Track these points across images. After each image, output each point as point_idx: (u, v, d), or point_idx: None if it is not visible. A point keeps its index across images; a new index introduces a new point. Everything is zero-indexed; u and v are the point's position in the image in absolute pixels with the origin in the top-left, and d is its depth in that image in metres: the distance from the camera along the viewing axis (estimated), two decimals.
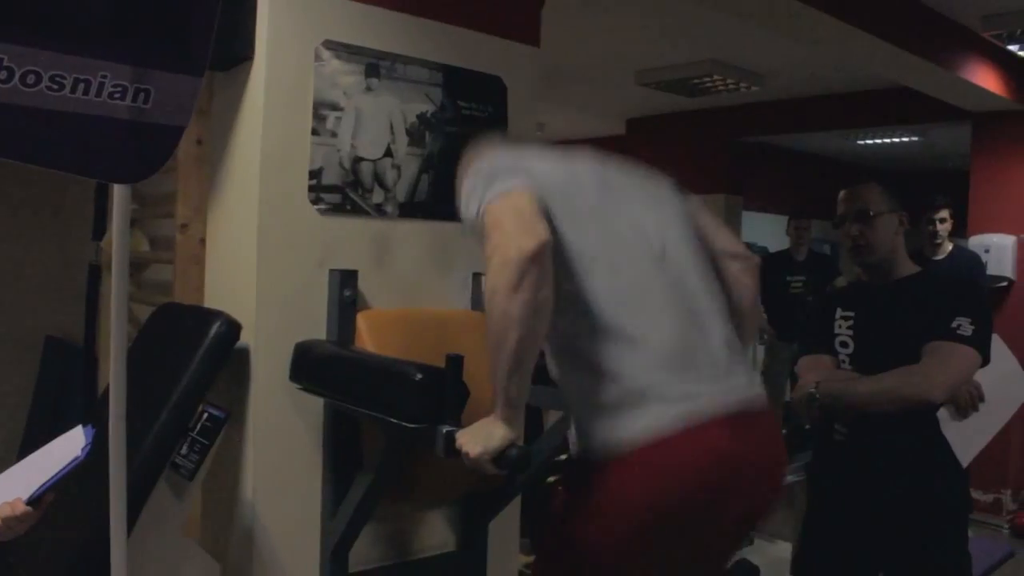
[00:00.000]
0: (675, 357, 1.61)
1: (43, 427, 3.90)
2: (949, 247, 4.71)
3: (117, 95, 1.21)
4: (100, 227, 3.52)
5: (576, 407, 1.68)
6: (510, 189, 1.60)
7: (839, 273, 6.07)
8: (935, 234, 4.65)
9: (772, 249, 6.81)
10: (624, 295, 1.64)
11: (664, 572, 1.67)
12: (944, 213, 4.62)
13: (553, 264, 1.55)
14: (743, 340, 1.84)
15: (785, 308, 5.29)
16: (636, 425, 1.55)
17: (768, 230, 7.90)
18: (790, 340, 4.91)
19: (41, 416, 4.05)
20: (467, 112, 2.49)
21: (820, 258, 6.33)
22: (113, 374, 1.40)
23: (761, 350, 6.26)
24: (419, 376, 1.80)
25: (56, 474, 1.51)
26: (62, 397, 3.95)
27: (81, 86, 1.18)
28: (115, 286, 1.35)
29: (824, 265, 6.15)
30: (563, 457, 2.39)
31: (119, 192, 1.30)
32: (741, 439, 1.59)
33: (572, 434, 1.71)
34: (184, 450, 2.03)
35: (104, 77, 1.20)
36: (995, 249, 5.45)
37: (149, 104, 1.24)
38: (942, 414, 2.32)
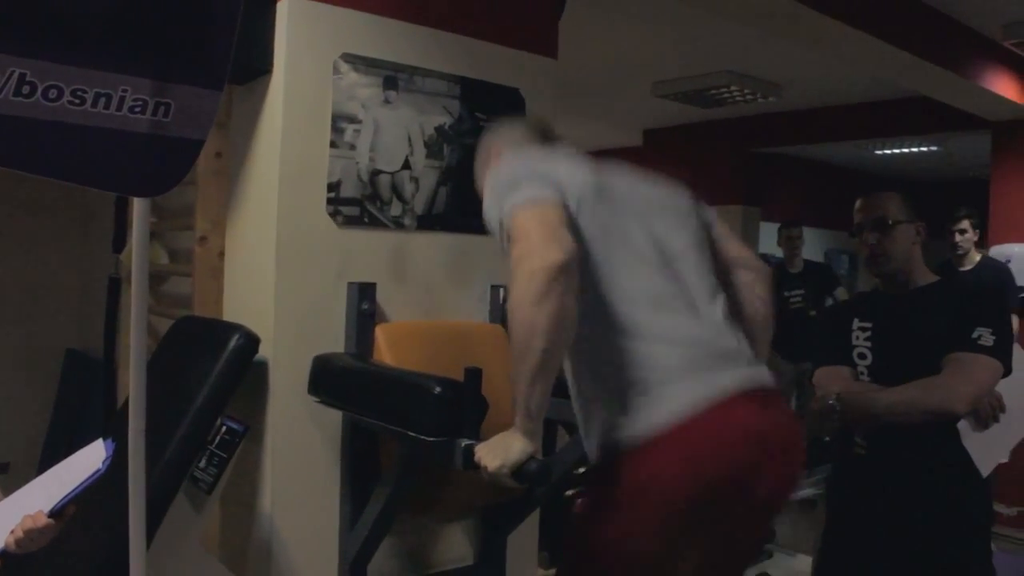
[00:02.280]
0: (694, 347, 1.64)
1: (63, 439, 3.92)
2: (977, 258, 4.64)
3: (138, 109, 1.22)
4: (120, 240, 3.55)
5: (599, 408, 1.67)
6: (536, 197, 1.60)
7: (838, 283, 5.93)
8: (956, 245, 4.60)
9: None
10: (643, 298, 1.65)
11: (693, 565, 1.67)
12: (964, 224, 4.56)
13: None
14: (757, 353, 1.83)
15: (784, 325, 5.13)
16: (662, 409, 1.56)
17: None
18: (792, 359, 4.80)
19: (61, 428, 4.07)
20: (485, 124, 2.48)
21: (816, 268, 6.03)
22: (133, 388, 1.40)
23: None
24: (438, 389, 1.79)
25: (77, 487, 1.51)
26: (82, 410, 3.98)
27: (102, 100, 1.18)
28: (135, 299, 1.35)
29: (821, 275, 5.87)
30: (582, 470, 2.38)
31: (139, 205, 1.30)
32: (764, 415, 1.63)
33: (589, 445, 1.70)
34: (203, 463, 2.03)
35: (125, 91, 1.20)
36: (1017, 259, 5.36)
37: (169, 118, 1.24)
38: (962, 425, 2.27)
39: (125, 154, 1.22)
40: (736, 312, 1.82)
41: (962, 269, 4.65)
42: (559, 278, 1.48)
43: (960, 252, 4.58)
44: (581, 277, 1.57)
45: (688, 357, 1.62)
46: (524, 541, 2.61)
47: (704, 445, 1.55)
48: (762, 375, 1.70)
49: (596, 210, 1.68)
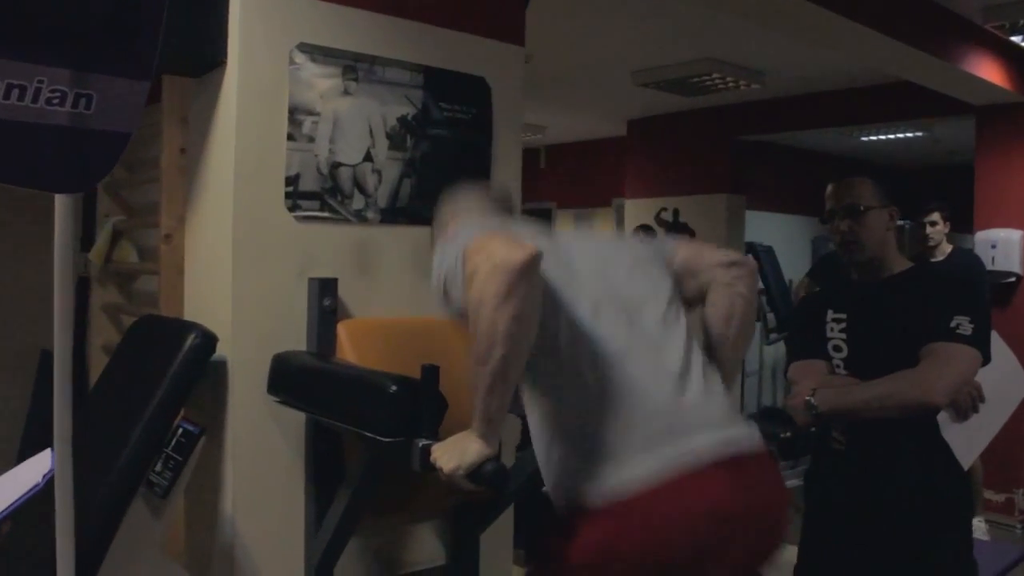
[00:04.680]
0: (659, 405, 1.55)
1: (39, 441, 3.85)
2: (948, 248, 4.65)
3: (56, 101, 1.16)
4: (88, 238, 3.48)
5: (556, 452, 1.59)
6: (487, 229, 1.57)
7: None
8: (928, 237, 4.61)
9: (778, 249, 6.69)
10: (604, 351, 1.57)
11: None
12: (935, 216, 4.56)
13: (537, 323, 1.50)
14: (738, 349, 1.79)
15: None
16: (621, 476, 1.47)
17: (773, 229, 7.82)
18: None
19: (37, 430, 4.01)
20: (450, 114, 2.43)
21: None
22: (57, 397, 1.34)
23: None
24: (394, 388, 1.74)
25: (12, 504, 1.45)
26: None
27: (15, 92, 1.12)
28: (57, 307, 1.29)
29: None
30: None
31: (61, 203, 1.24)
32: (736, 488, 1.51)
33: (546, 480, 1.62)
34: (159, 467, 1.98)
35: (41, 82, 1.14)
36: (1002, 244, 5.37)
37: (91, 110, 1.18)
38: (942, 417, 2.24)
39: (43, 148, 1.16)
40: (714, 315, 1.77)
41: (933, 260, 4.65)
42: (522, 278, 1.42)
43: (932, 244, 4.59)
44: (540, 331, 1.51)
45: (652, 416, 1.53)
46: (498, 539, 2.57)
47: (663, 523, 1.45)
48: (739, 437, 1.58)
49: (552, 268, 1.60)
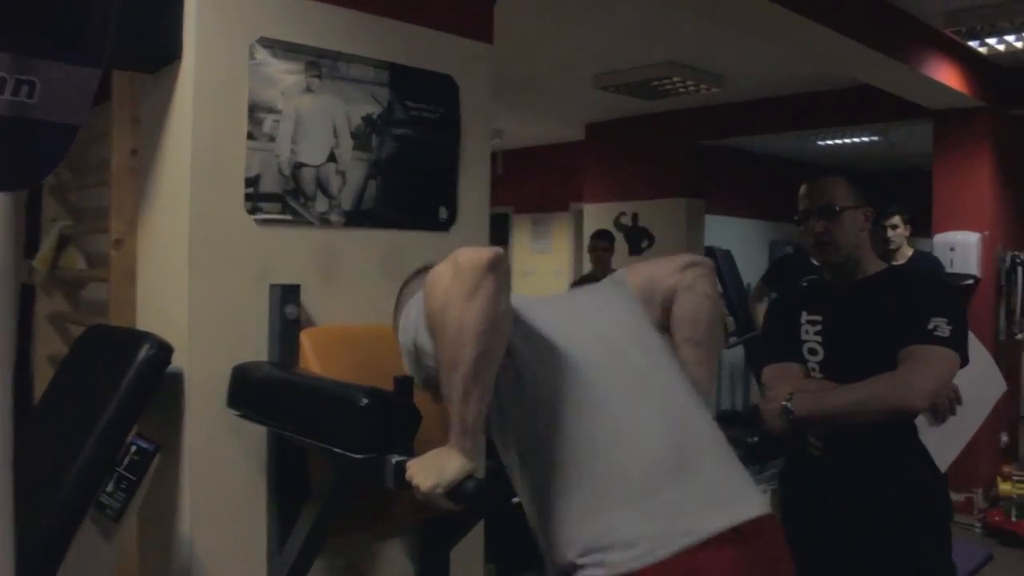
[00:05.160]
0: (652, 471, 1.42)
1: None
2: (909, 252, 4.69)
3: None
4: (33, 244, 3.33)
5: (547, 511, 1.47)
6: None
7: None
8: (888, 240, 4.64)
9: (736, 253, 6.70)
10: (589, 409, 1.47)
11: None
12: (895, 219, 4.61)
13: (509, 383, 1.43)
14: (710, 351, 1.72)
15: None
16: (616, 554, 1.36)
17: (731, 233, 7.84)
18: None
19: None
20: (416, 113, 2.34)
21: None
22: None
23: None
24: (365, 401, 1.63)
25: None
26: None
27: None
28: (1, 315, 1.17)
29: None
30: None
31: (1, 203, 1.12)
32: (740, 565, 1.39)
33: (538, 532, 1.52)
34: (110, 487, 1.85)
35: None
36: (960, 247, 5.43)
37: (34, 99, 1.07)
38: (919, 420, 2.22)
39: None
40: (680, 318, 1.70)
41: (895, 263, 4.68)
42: (488, 275, 1.34)
43: (893, 247, 4.62)
44: (515, 392, 1.43)
45: (646, 485, 1.41)
46: (469, 555, 2.48)
47: None
48: (742, 504, 1.45)
49: (527, 323, 1.53)
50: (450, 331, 1.35)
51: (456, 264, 1.36)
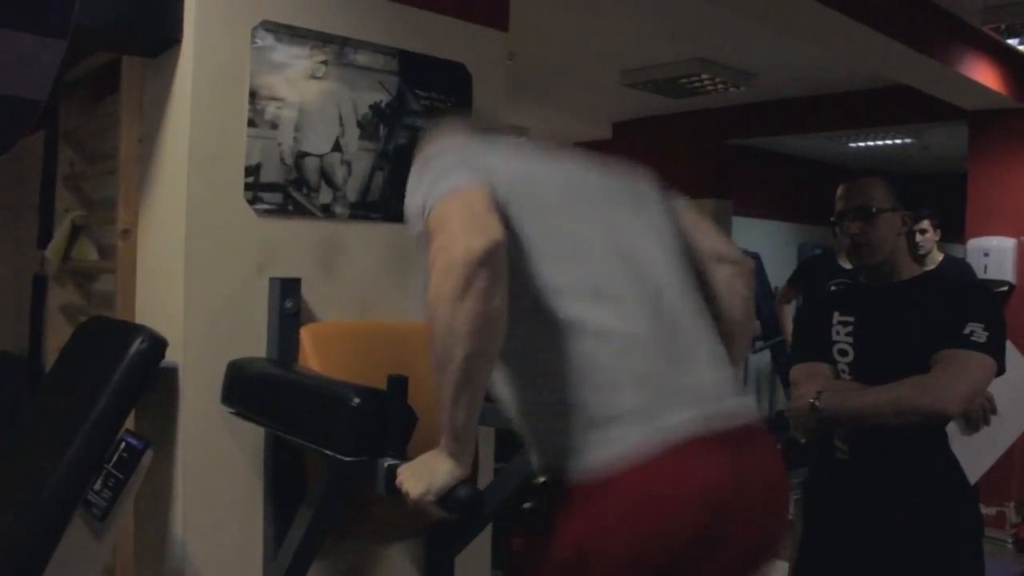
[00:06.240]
0: (652, 362, 1.40)
1: None
2: (939, 257, 4.58)
3: None
4: (45, 234, 3.30)
5: (538, 423, 1.45)
6: (460, 186, 1.38)
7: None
8: (918, 245, 4.53)
9: (764, 255, 6.59)
10: (590, 292, 1.42)
11: None
12: (925, 224, 4.49)
13: (509, 265, 1.33)
14: (734, 354, 1.63)
15: None
16: (608, 448, 1.32)
17: (759, 235, 7.72)
18: None
19: None
20: (427, 102, 2.27)
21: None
22: None
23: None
24: (357, 401, 1.55)
25: None
26: (14, 414, 3.74)
27: None
28: None
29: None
30: (541, 480, 2.17)
31: None
32: (731, 466, 1.36)
33: (533, 457, 1.47)
34: (98, 485, 1.79)
35: None
36: (995, 252, 5.28)
37: None
38: (951, 428, 2.14)
39: None
40: (712, 313, 1.61)
41: (925, 269, 4.57)
42: (481, 271, 1.25)
43: (922, 252, 4.51)
44: (513, 273, 1.34)
45: (645, 375, 1.38)
46: (475, 562, 2.40)
47: (654, 504, 1.30)
48: (735, 410, 1.45)
49: (536, 202, 1.47)
50: (440, 332, 1.29)
51: (449, 258, 1.28)
